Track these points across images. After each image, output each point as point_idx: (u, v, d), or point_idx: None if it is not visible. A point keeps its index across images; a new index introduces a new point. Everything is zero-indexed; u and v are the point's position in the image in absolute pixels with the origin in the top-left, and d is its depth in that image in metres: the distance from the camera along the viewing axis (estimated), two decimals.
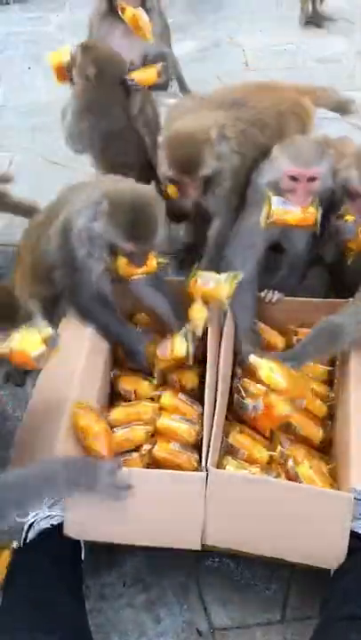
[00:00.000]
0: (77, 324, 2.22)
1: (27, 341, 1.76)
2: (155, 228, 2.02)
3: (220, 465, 1.90)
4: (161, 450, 1.97)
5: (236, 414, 2.16)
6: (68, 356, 2.02)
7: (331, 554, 1.70)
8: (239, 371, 2.26)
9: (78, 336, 2.17)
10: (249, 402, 2.10)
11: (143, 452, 2.00)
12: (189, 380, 2.24)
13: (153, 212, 2.02)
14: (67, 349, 1.94)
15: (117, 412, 2.13)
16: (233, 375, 2.25)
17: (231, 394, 2.18)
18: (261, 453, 1.98)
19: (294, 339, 2.32)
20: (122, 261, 2.08)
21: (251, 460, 1.96)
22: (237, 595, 1.88)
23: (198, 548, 1.75)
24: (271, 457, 1.98)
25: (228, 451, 1.99)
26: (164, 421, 2.05)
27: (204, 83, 4.47)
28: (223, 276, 2.18)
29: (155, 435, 2.05)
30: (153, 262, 2.09)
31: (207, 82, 4.48)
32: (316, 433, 2.09)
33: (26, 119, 4.07)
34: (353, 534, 1.69)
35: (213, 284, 2.17)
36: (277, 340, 2.36)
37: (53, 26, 5.25)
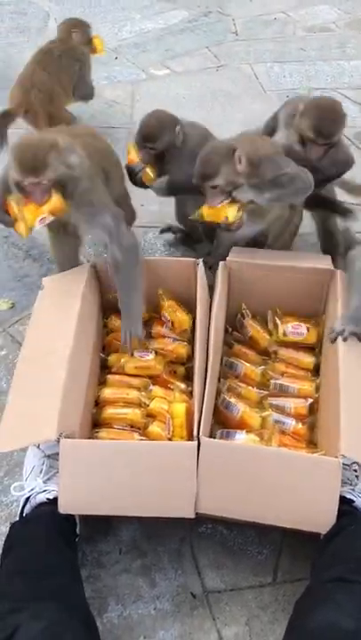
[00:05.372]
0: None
1: None
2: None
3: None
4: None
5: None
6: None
7: (321, 519, 1.74)
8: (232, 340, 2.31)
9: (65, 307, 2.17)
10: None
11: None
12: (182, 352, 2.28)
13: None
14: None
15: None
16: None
17: (222, 363, 2.22)
18: (254, 419, 2.04)
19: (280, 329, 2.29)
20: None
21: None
22: (230, 559, 1.93)
23: (192, 516, 1.78)
24: (263, 419, 2.02)
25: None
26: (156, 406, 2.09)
27: (193, 53, 4.42)
28: None
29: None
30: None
31: (197, 52, 4.43)
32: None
33: None
34: (341, 499, 1.74)
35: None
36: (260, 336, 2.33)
37: None
